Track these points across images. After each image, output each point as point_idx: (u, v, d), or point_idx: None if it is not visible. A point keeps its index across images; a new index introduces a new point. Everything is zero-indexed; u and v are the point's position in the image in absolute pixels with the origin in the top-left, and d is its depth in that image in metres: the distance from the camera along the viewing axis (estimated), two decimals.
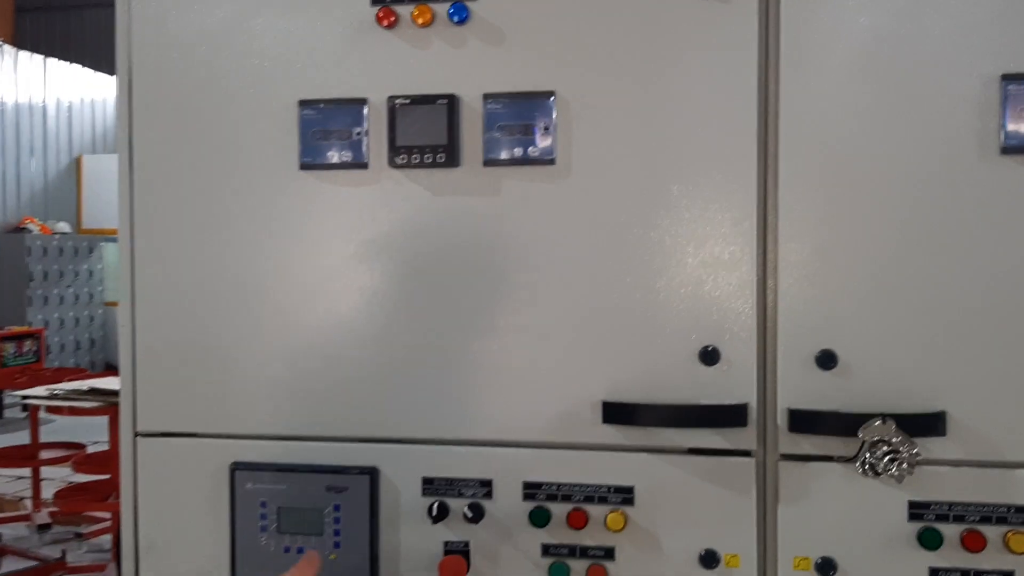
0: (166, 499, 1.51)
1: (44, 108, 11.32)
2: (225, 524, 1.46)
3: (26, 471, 5.73)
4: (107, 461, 4.85)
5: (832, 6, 1.31)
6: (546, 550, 1.39)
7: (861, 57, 1.31)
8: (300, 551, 1.42)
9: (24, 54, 11.02)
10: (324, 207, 1.46)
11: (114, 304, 11.02)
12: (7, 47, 10.70)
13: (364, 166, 1.44)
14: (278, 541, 1.44)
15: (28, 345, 8.83)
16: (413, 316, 1.43)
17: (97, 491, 4.85)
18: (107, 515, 5.01)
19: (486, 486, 1.41)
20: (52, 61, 11.39)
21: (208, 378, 1.49)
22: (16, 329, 8.98)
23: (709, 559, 1.34)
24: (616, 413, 1.35)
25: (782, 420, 1.33)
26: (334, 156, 1.45)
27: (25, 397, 4.88)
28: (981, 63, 1.28)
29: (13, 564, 5.10)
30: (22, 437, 6.23)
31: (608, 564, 1.37)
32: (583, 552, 1.38)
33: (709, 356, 1.33)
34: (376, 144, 1.43)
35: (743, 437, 1.34)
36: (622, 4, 1.36)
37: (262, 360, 1.48)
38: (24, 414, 8.09)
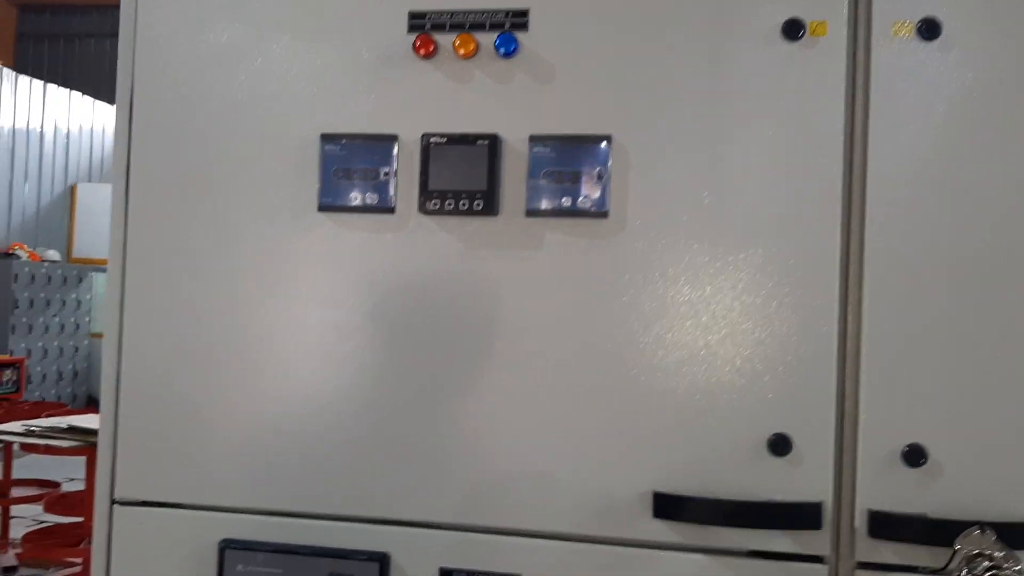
0: None
1: (41, 134, 11.18)
2: None
3: None
4: (80, 503, 4.61)
5: (931, 55, 1.17)
6: None
7: (964, 115, 1.16)
8: None
9: (24, 79, 10.91)
10: (342, 255, 1.29)
11: (100, 336, 10.80)
12: (7, 71, 10.58)
13: (391, 210, 1.28)
14: None
15: (8, 374, 8.58)
16: (435, 383, 1.26)
17: (68, 534, 4.61)
18: (78, 561, 4.76)
19: None
20: (52, 87, 11.27)
21: (198, 441, 1.31)
22: None
23: None
24: (669, 506, 1.18)
25: (861, 523, 1.15)
26: (357, 198, 1.28)
27: None
28: None
29: None
30: None
31: None
32: None
33: (779, 445, 1.16)
34: (405, 187, 1.27)
35: (816, 541, 1.16)
36: (691, 43, 1.21)
37: (260, 422, 1.30)
38: None
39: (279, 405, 1.30)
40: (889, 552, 1.15)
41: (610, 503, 1.21)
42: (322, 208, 1.29)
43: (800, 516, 1.15)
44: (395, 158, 1.27)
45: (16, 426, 4.59)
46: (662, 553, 1.20)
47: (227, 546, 1.28)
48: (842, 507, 1.17)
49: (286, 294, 1.30)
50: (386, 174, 1.28)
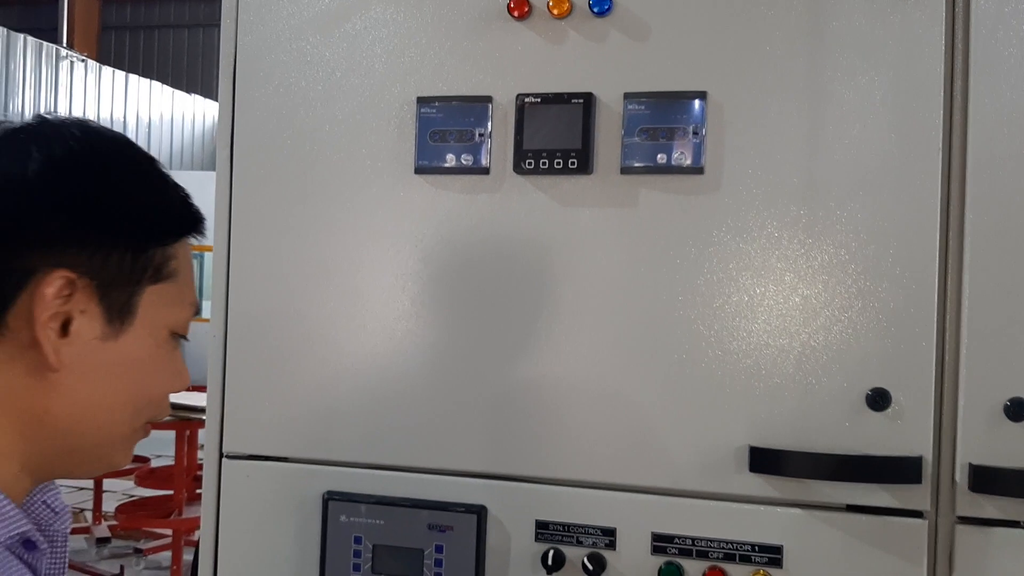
0: (251, 527, 1.37)
1: (124, 124, 11.50)
2: (314, 559, 1.32)
3: (88, 482, 5.69)
4: (170, 477, 4.77)
5: None
6: None
7: None
8: None
9: (107, 70, 11.23)
10: (439, 216, 1.32)
11: None
12: (91, 62, 10.90)
13: (485, 171, 1.30)
14: None
15: None
16: (530, 340, 1.28)
17: (159, 507, 4.77)
18: (167, 532, 4.92)
19: (609, 535, 1.24)
20: (134, 78, 11.58)
21: (302, 399, 1.36)
22: None
23: None
24: (766, 460, 1.18)
25: (961, 477, 1.15)
26: (452, 159, 1.31)
27: None
28: None
29: None
30: None
31: None
32: None
33: (878, 400, 1.16)
34: (500, 147, 1.30)
35: (915, 495, 1.16)
36: None
37: (361, 381, 1.34)
38: None
39: (380, 363, 1.34)
40: (991, 507, 1.14)
41: (705, 457, 1.22)
42: (418, 170, 1.32)
43: (899, 470, 1.15)
44: (490, 119, 1.30)
45: None
46: (758, 507, 1.20)
47: (331, 497, 1.32)
48: (942, 461, 1.16)
49: (385, 255, 1.34)
50: (481, 135, 1.30)
